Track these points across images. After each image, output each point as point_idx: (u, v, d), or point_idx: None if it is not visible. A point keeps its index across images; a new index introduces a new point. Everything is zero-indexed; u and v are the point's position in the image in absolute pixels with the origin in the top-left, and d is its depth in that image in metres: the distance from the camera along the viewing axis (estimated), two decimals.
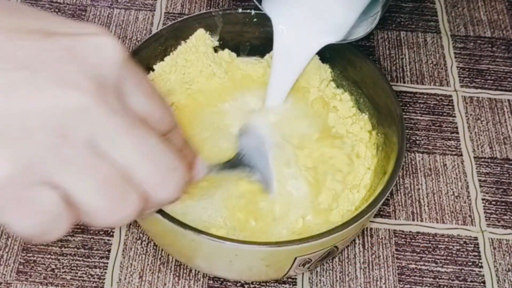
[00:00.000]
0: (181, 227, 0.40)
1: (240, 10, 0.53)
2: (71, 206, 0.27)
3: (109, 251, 0.48)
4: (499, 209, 0.53)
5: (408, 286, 0.48)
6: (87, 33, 0.29)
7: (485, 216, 0.52)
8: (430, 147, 0.56)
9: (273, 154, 0.48)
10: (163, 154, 0.30)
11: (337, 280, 0.48)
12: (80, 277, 0.47)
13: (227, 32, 0.53)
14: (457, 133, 0.57)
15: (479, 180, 0.54)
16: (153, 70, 0.51)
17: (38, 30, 0.27)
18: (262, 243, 0.41)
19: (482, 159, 0.55)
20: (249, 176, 0.46)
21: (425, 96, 0.59)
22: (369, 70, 0.50)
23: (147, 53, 0.50)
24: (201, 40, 0.52)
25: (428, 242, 0.50)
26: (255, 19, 0.53)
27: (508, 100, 0.59)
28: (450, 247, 0.50)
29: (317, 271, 0.48)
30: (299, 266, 0.43)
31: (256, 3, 0.50)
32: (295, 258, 0.42)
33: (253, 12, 0.52)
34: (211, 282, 0.47)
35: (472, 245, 0.51)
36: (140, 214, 0.30)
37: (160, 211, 0.40)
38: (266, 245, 0.41)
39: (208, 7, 0.64)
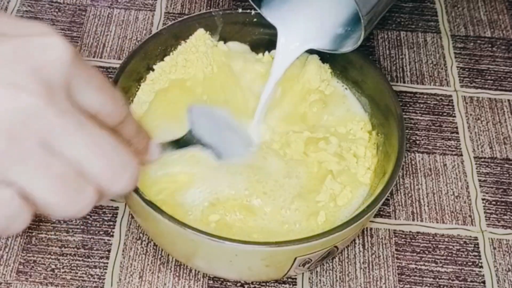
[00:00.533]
0: (181, 227, 0.40)
1: (240, 10, 0.53)
2: (28, 201, 0.28)
3: (109, 251, 0.48)
4: (499, 209, 0.53)
5: (408, 286, 0.48)
6: (34, 33, 0.29)
7: (485, 216, 0.52)
8: (430, 147, 0.56)
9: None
10: (114, 150, 0.31)
11: (337, 280, 0.48)
12: (80, 277, 0.47)
13: (227, 32, 0.53)
14: (457, 133, 0.57)
15: (479, 180, 0.54)
16: (153, 70, 0.51)
17: None
18: (262, 243, 0.41)
19: (482, 159, 0.55)
20: (202, 150, 0.47)
21: (425, 96, 0.59)
22: (369, 70, 0.50)
23: (147, 53, 0.50)
24: (201, 40, 0.52)
25: (428, 242, 0.50)
26: (255, 19, 0.53)
27: (508, 100, 0.59)
28: (450, 247, 0.50)
29: (317, 271, 0.48)
30: (299, 266, 0.43)
31: (258, 9, 0.50)
32: (295, 258, 0.42)
33: (253, 12, 0.52)
34: (211, 282, 0.47)
35: (472, 245, 0.51)
36: (96, 203, 0.32)
37: (160, 211, 0.40)
38: (266, 245, 0.41)
39: (208, 7, 0.64)
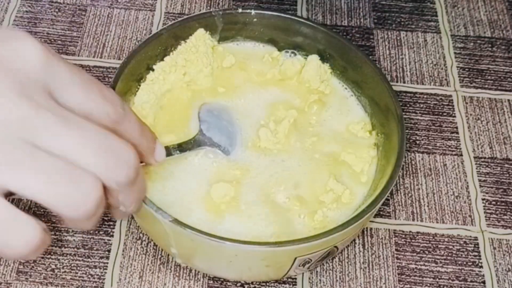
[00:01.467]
0: (181, 227, 0.40)
1: (240, 10, 0.53)
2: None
3: (109, 251, 0.48)
4: (499, 209, 0.53)
5: (408, 286, 0.48)
6: (7, 37, 0.30)
7: (485, 216, 0.52)
8: (430, 147, 0.56)
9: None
10: (105, 139, 0.31)
11: (337, 280, 0.48)
12: (80, 277, 0.47)
13: (227, 32, 0.53)
14: (457, 133, 0.57)
15: (479, 180, 0.54)
16: (153, 70, 0.51)
17: None
18: (262, 243, 0.41)
19: (482, 159, 0.55)
20: (211, 151, 0.47)
21: (425, 96, 0.59)
22: (369, 70, 0.50)
23: (147, 53, 0.50)
24: (201, 40, 0.52)
25: (428, 242, 0.50)
26: (255, 19, 0.53)
27: (508, 100, 0.59)
28: (450, 247, 0.50)
29: (317, 271, 0.48)
30: (299, 266, 0.43)
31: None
32: (295, 258, 0.42)
33: (253, 12, 0.52)
34: (211, 282, 0.47)
35: (472, 245, 0.51)
36: (114, 211, 0.33)
37: (160, 211, 0.40)
38: (266, 245, 0.41)
39: (208, 7, 0.64)
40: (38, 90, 0.29)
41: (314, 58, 0.53)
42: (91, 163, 0.30)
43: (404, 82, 0.60)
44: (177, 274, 0.48)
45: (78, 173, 0.29)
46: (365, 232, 0.51)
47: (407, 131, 0.57)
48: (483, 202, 0.53)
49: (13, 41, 0.30)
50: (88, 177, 0.30)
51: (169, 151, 0.45)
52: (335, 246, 0.43)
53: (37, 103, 0.29)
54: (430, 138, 0.56)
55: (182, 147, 0.46)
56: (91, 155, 0.30)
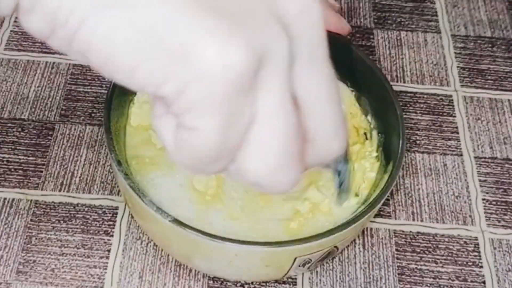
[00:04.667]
0: (181, 227, 0.40)
1: None
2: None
3: (109, 251, 0.48)
4: (500, 209, 0.53)
5: (408, 286, 0.48)
6: None
7: (485, 216, 0.52)
8: (430, 147, 0.56)
9: None
10: (339, 111, 0.28)
11: (337, 280, 0.48)
12: (80, 277, 0.47)
13: None
14: (457, 133, 0.57)
15: (480, 180, 0.54)
16: None
17: None
18: (262, 243, 0.41)
19: (483, 159, 0.55)
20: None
21: (425, 96, 0.59)
22: (369, 70, 0.50)
23: None
24: None
25: (428, 242, 0.50)
26: None
27: (509, 100, 0.59)
28: (450, 247, 0.50)
29: (317, 271, 0.48)
30: (299, 266, 0.43)
31: None
32: (295, 258, 0.42)
33: None
34: (211, 282, 0.47)
35: (472, 245, 0.51)
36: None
37: (160, 211, 0.40)
38: (266, 245, 0.41)
39: None
40: (281, 61, 0.25)
41: None
42: (322, 127, 0.27)
43: (404, 82, 0.60)
44: (177, 274, 0.48)
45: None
46: (365, 232, 0.51)
47: (407, 131, 0.57)
48: (483, 202, 0.53)
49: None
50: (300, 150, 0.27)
51: None
52: (335, 247, 0.43)
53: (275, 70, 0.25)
54: (430, 138, 0.56)
55: None
56: (329, 119, 0.27)
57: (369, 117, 0.51)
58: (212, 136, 0.24)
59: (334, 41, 0.52)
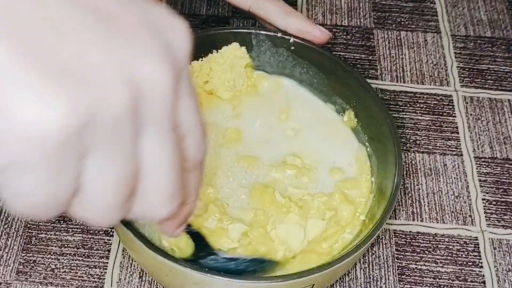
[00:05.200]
0: (186, 267, 0.39)
1: (279, 35, 0.52)
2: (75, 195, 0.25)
3: (109, 251, 0.48)
4: (499, 209, 0.53)
5: (408, 286, 0.48)
6: (156, 13, 0.25)
7: (485, 216, 0.52)
8: (430, 147, 0.56)
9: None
10: (178, 175, 0.27)
11: (337, 280, 0.48)
12: (80, 277, 0.47)
13: (262, 54, 0.53)
14: (457, 133, 0.57)
15: (479, 180, 0.54)
16: None
17: None
18: (245, 278, 0.40)
19: (482, 159, 0.55)
20: None
21: (425, 96, 0.59)
22: (353, 80, 0.50)
23: None
24: (232, 54, 0.52)
25: (428, 242, 0.50)
26: (292, 47, 0.52)
27: (509, 100, 0.59)
28: (450, 247, 0.50)
29: None
30: None
31: None
32: None
33: (291, 39, 0.52)
34: None
35: (472, 245, 0.51)
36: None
37: (162, 252, 0.40)
38: (245, 279, 0.40)
39: (208, 7, 0.64)
40: (184, 71, 0.26)
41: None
42: (151, 192, 0.26)
43: (404, 82, 0.60)
44: None
45: (134, 194, 0.26)
46: None
47: (407, 131, 0.57)
48: (483, 202, 0.53)
49: (165, 12, 0.25)
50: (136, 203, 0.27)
51: None
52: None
53: (178, 94, 0.25)
54: (430, 138, 0.56)
55: None
56: (160, 186, 0.26)
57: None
58: (35, 193, 0.23)
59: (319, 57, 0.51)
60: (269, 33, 0.52)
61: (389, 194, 0.44)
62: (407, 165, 0.55)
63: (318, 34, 0.51)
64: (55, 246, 0.48)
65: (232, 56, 0.52)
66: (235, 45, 0.52)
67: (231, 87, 0.52)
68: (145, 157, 0.25)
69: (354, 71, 0.51)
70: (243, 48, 0.52)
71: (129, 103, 0.23)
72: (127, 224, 0.40)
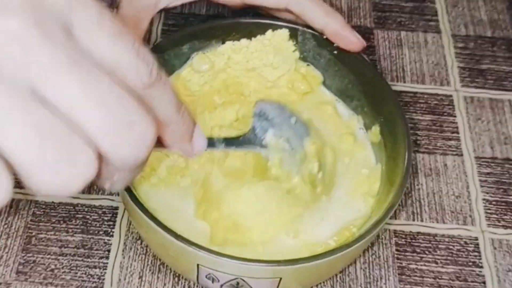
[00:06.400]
0: (185, 244, 0.39)
1: (325, 36, 0.51)
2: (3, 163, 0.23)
3: (109, 251, 0.48)
4: (500, 209, 0.53)
5: (409, 286, 0.48)
6: None
7: (486, 216, 0.52)
8: (431, 147, 0.56)
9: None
10: (120, 100, 0.24)
11: (337, 280, 0.48)
12: (79, 277, 0.47)
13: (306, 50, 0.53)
14: (458, 133, 0.57)
15: (480, 180, 0.54)
16: (223, 42, 0.52)
17: None
18: (271, 262, 0.40)
19: (483, 159, 0.55)
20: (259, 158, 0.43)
21: (425, 96, 0.59)
22: (373, 78, 0.50)
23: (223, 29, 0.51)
24: (280, 38, 0.51)
25: (428, 242, 0.50)
26: (335, 51, 0.52)
27: (509, 100, 0.59)
28: (451, 247, 0.50)
29: None
30: (206, 278, 0.42)
31: None
32: (198, 265, 0.41)
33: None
34: None
35: (473, 245, 0.50)
36: (101, 181, 0.26)
37: (160, 224, 0.40)
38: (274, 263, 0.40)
39: (208, 7, 0.64)
40: (55, 21, 0.23)
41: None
42: (96, 130, 0.24)
43: (404, 82, 0.60)
44: (177, 274, 0.47)
45: (76, 143, 0.23)
46: None
47: None
48: (483, 202, 0.53)
49: None
50: (87, 155, 0.24)
51: (212, 142, 0.38)
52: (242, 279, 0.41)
53: (51, 36, 0.23)
54: (430, 138, 0.56)
55: (229, 142, 0.40)
56: (100, 120, 0.23)
57: (377, 128, 0.50)
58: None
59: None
60: (315, 32, 0.51)
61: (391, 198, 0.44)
62: None
63: (354, 40, 0.49)
64: (55, 246, 0.48)
65: (280, 40, 0.52)
66: (284, 31, 0.51)
67: (277, 67, 0.51)
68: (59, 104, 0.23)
69: (390, 88, 0.50)
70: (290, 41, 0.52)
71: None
72: (137, 201, 0.41)
